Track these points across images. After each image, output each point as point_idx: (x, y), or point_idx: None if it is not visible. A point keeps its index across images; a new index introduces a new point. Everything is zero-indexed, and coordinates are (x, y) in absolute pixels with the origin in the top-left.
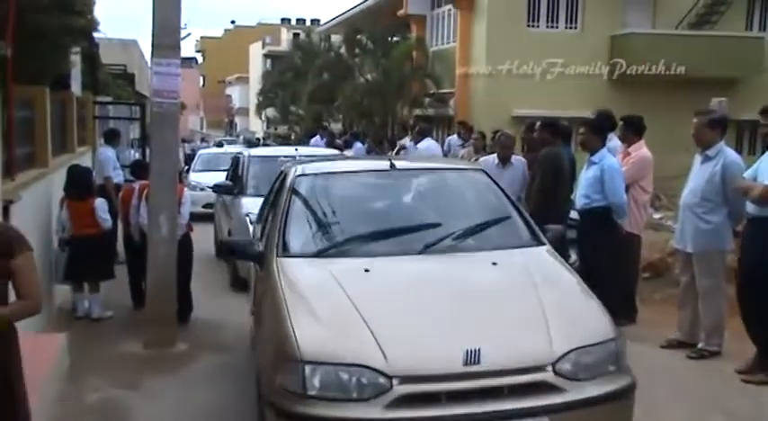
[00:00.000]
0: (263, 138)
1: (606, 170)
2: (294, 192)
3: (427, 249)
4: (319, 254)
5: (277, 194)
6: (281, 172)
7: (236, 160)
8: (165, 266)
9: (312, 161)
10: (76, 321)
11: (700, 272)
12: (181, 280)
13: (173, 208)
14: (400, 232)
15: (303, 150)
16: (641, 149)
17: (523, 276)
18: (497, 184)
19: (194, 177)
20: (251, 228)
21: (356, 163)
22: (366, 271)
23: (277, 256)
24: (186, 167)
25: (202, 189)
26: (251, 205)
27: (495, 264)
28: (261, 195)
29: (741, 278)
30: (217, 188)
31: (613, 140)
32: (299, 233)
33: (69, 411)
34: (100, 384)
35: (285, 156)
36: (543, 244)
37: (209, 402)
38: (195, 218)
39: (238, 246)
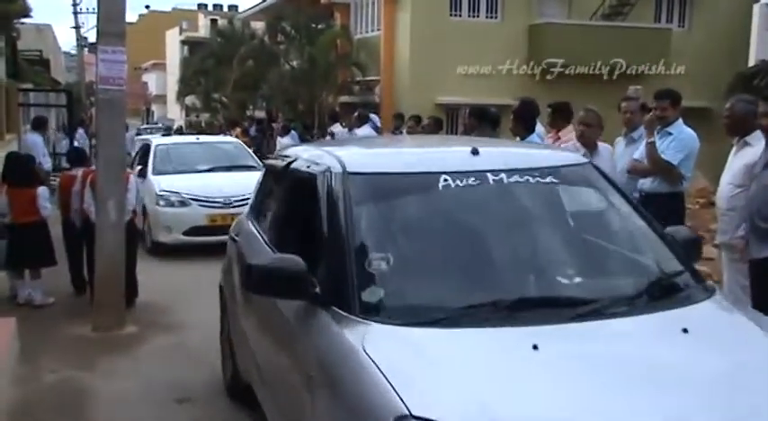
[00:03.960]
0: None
1: None
2: None
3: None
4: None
5: None
6: None
7: (301, 183)
8: (113, 252)
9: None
10: (18, 308)
11: None
12: (127, 265)
13: (121, 194)
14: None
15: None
16: (571, 133)
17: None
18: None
19: (159, 183)
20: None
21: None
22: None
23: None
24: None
25: (182, 202)
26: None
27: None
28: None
29: None
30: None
31: (538, 126)
32: None
33: (29, 392)
34: (55, 366)
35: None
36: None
37: (166, 379)
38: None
39: None
